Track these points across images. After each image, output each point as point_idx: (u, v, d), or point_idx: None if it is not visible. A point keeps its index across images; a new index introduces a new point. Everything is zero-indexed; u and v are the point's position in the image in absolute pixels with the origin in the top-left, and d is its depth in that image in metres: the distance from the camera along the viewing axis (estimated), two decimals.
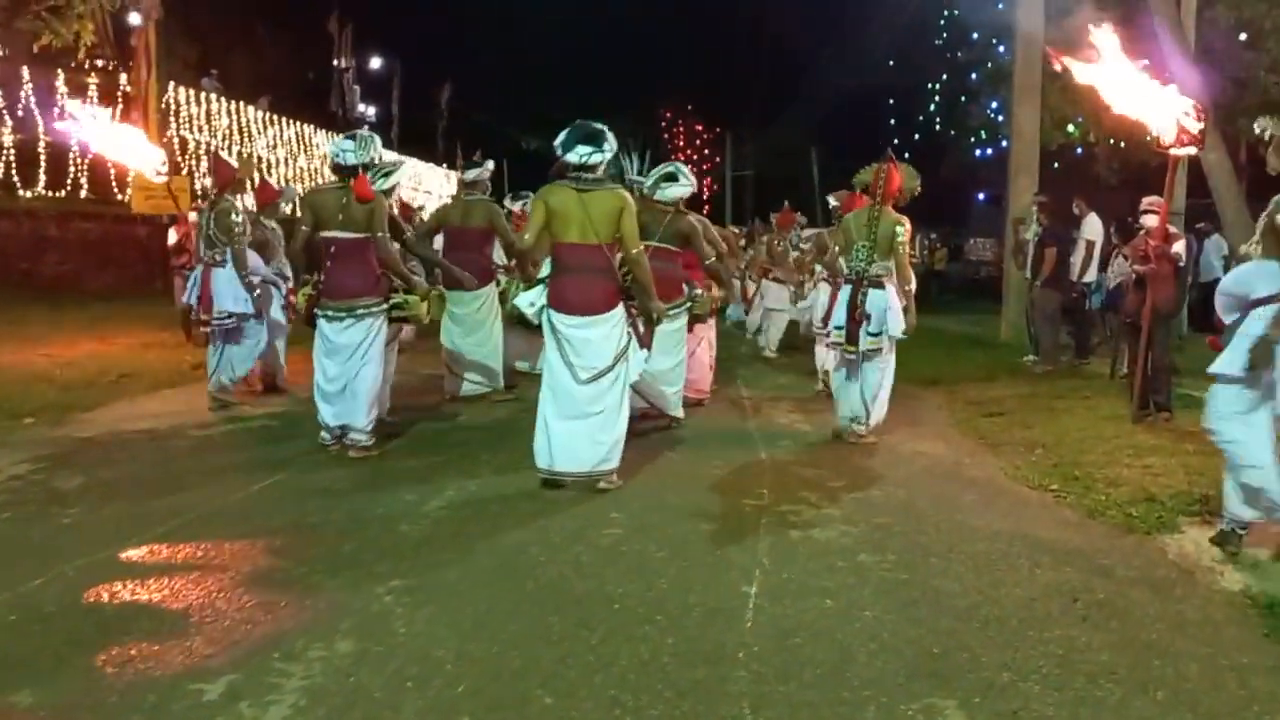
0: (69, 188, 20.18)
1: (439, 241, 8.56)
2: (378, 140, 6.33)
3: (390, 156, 30.56)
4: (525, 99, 48.34)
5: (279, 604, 3.73)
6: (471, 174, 8.49)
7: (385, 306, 6.23)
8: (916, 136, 45.05)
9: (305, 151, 31.12)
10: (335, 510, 5.04)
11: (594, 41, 46.42)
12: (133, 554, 4.31)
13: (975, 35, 22.81)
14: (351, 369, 6.09)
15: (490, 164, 8.70)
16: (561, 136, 5.51)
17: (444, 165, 36.31)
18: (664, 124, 54.17)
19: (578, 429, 5.48)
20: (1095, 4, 15.12)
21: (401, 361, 7.76)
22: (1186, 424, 7.80)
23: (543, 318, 5.60)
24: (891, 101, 44.85)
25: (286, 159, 29.86)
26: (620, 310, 5.57)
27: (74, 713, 2.90)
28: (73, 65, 19.67)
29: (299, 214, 6.60)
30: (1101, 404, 8.80)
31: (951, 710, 3.04)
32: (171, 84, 24.11)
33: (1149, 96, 6.82)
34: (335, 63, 36.52)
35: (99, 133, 8.49)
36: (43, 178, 20.15)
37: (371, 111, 44.35)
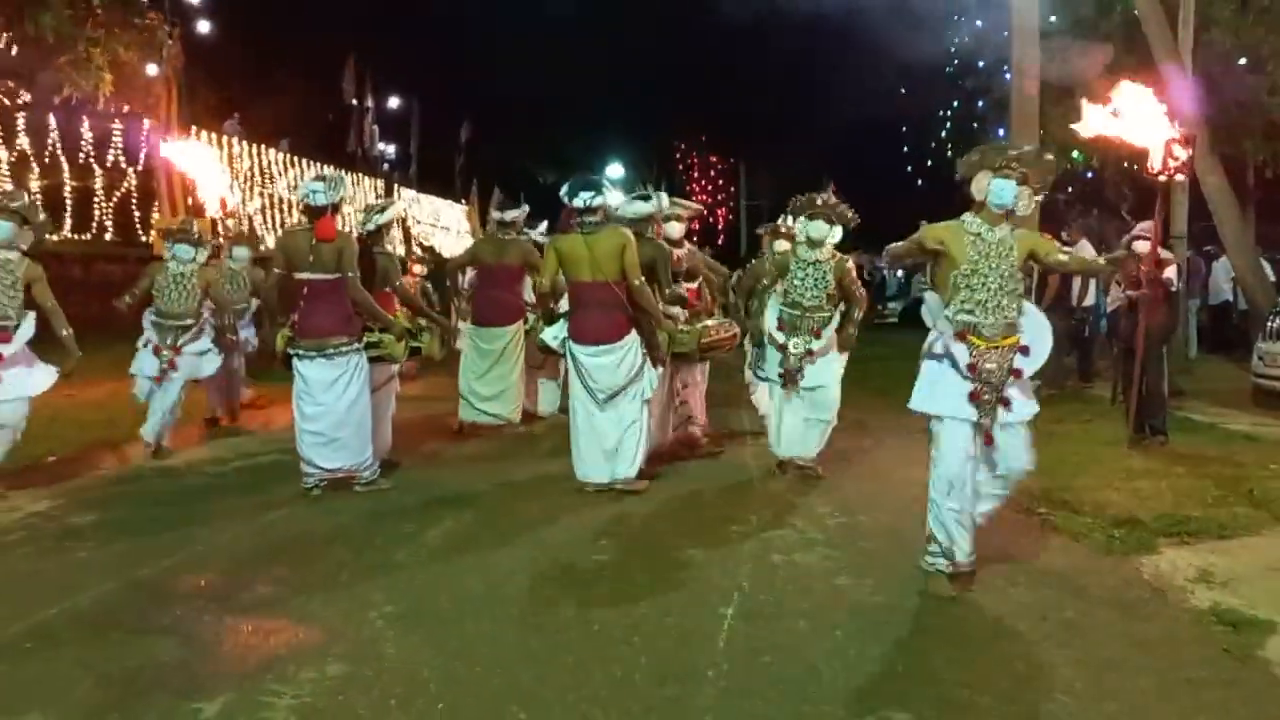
0: (94, 231, 20.71)
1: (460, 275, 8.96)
2: (346, 181, 6.60)
3: (409, 193, 30.89)
4: (541, 134, 49.02)
5: (275, 629, 3.94)
6: (511, 214, 8.73)
7: (358, 346, 6.31)
8: (930, 163, 45.34)
9: None
10: (336, 541, 5.26)
11: (607, 76, 46.98)
12: (140, 585, 4.52)
13: (980, 64, 23.00)
14: (330, 408, 6.17)
15: (525, 207, 8.90)
16: (565, 187, 6.27)
17: (462, 201, 36.71)
18: (678, 156, 54.58)
19: (600, 447, 6.24)
20: (1092, 30, 15.37)
21: (418, 388, 7.95)
22: (1182, 448, 7.91)
23: (566, 348, 6.40)
24: (904, 129, 45.28)
25: None
26: (632, 337, 6.28)
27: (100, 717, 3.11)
28: (98, 112, 20.27)
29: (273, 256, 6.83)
30: (1101, 428, 8.90)
31: None
32: (194, 129, 24.69)
33: (1138, 124, 6.97)
34: (353, 103, 37.11)
35: (196, 162, 8.90)
36: (68, 221, 20.69)
37: (391, 150, 45.06)
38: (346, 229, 6.96)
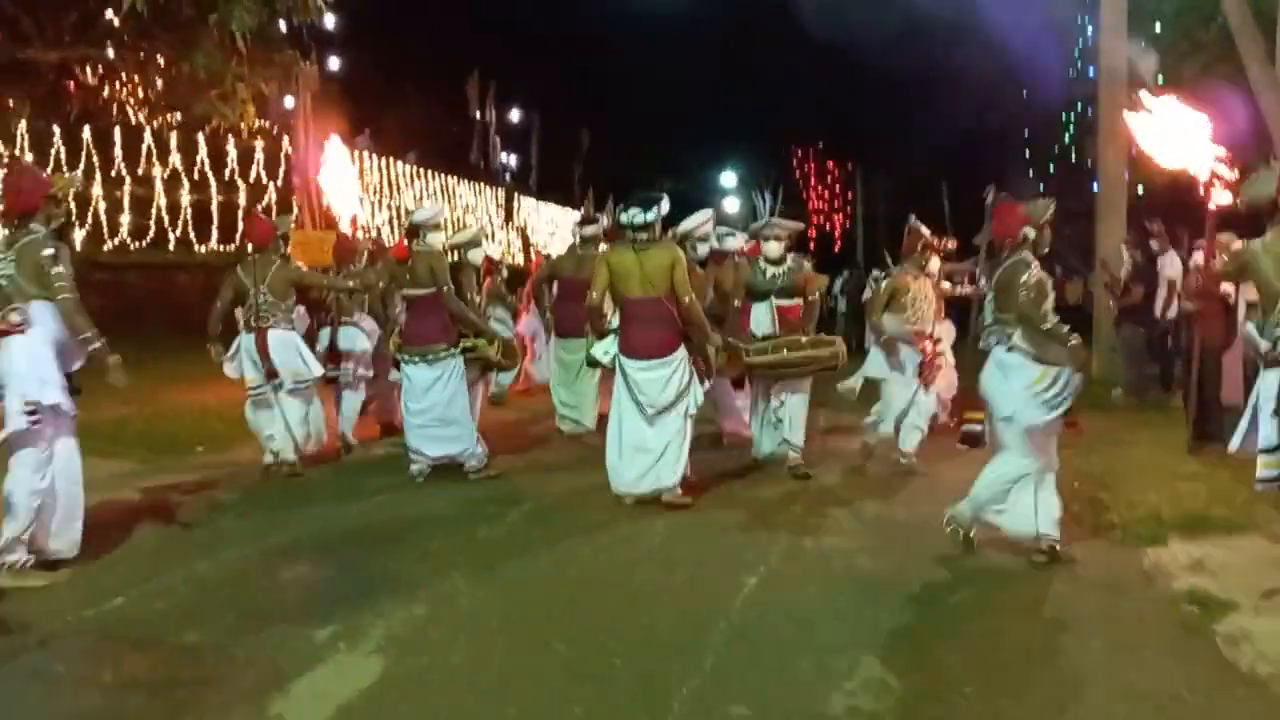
0: (238, 242, 22.51)
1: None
2: (436, 209, 7.58)
3: (529, 203, 31.84)
4: (658, 142, 49.94)
5: (375, 581, 4.86)
6: (589, 230, 9.29)
7: (456, 351, 7.20)
8: (1052, 168, 44.51)
9: (449, 202, 33.24)
10: (430, 518, 6.20)
11: (724, 83, 47.53)
12: (270, 549, 5.53)
13: (1092, 71, 22.94)
14: (433, 404, 7.08)
15: (604, 220, 9.46)
16: (623, 204, 6.54)
17: (580, 210, 37.77)
18: (795, 162, 54.70)
19: (644, 460, 6.30)
20: (1185, 46, 15.39)
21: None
22: (1242, 455, 8.19)
23: (616, 363, 6.45)
24: (1026, 133, 44.56)
25: None
26: (681, 352, 6.34)
27: (226, 646, 4.05)
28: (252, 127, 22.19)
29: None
30: (1168, 435, 9.18)
31: (871, 663, 3.90)
32: (329, 144, 26.38)
33: (1186, 144, 7.27)
34: (476, 116, 38.72)
35: (330, 178, 9.85)
36: (215, 233, 22.59)
37: (513, 160, 46.68)
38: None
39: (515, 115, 44.64)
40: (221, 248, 22.15)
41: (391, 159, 30.32)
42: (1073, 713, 3.53)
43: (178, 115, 18.59)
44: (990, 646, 4.13)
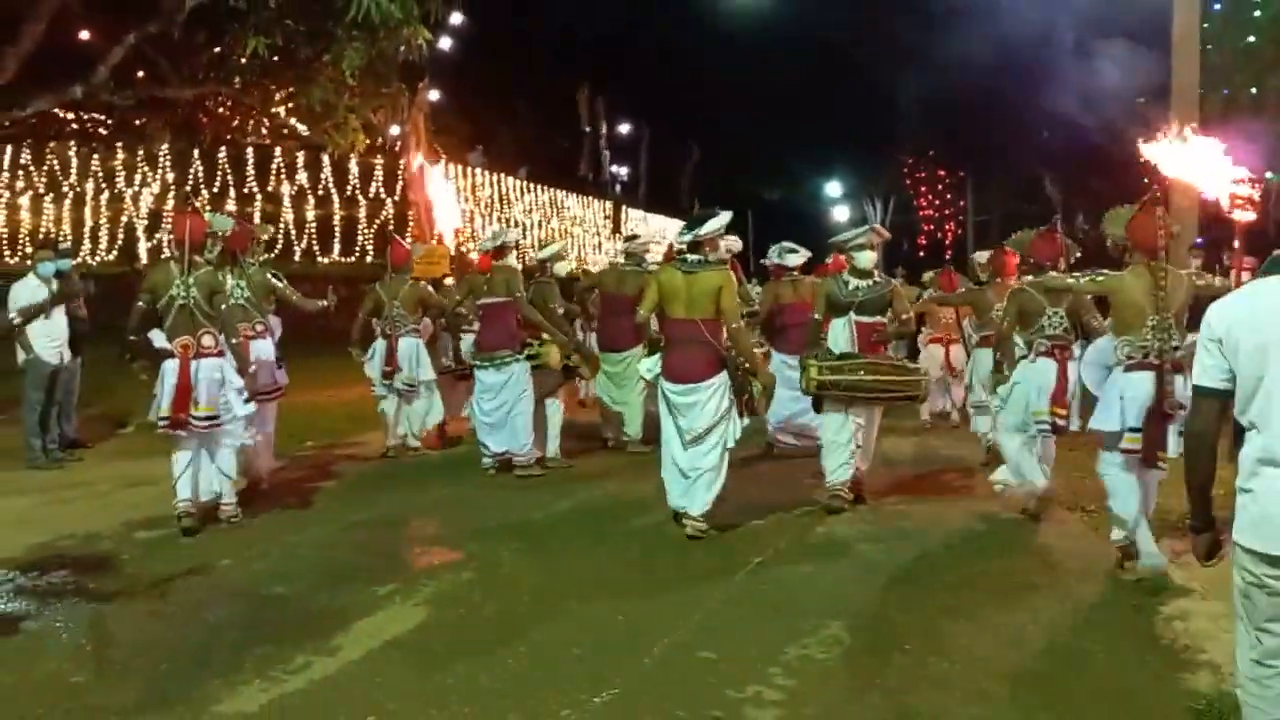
0: (357, 255, 24.05)
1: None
2: (510, 233, 8.52)
3: (636, 214, 32.71)
4: (766, 152, 50.33)
5: (434, 551, 5.79)
6: (632, 245, 9.86)
7: (520, 357, 8.00)
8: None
9: (557, 214, 34.51)
10: (492, 502, 7.12)
11: (832, 92, 47.54)
12: (354, 522, 6.50)
13: None
14: (500, 404, 7.92)
15: (641, 238, 10.14)
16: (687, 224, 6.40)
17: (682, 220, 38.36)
18: (905, 170, 54.36)
19: (683, 484, 6.18)
20: (1272, 55, 15.31)
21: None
22: None
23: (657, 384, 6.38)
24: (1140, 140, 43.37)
25: (540, 222, 33.22)
26: (722, 377, 6.10)
27: (305, 598, 4.97)
28: (363, 151, 23.74)
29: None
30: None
31: (837, 627, 4.57)
32: (442, 162, 27.96)
33: (1205, 166, 7.66)
34: (586, 130, 39.96)
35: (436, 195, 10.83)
36: (336, 246, 24.21)
37: (624, 172, 47.78)
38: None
39: (625, 128, 45.69)
40: (342, 260, 23.77)
41: (502, 175, 31.69)
42: (989, 666, 4.14)
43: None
44: (944, 616, 4.74)
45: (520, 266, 8.89)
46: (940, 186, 55.51)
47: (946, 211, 54.28)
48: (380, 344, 8.84)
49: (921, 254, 48.33)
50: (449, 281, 10.70)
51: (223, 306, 6.28)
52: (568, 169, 38.70)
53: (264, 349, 7.21)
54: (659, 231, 42.50)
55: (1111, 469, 5.43)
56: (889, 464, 8.35)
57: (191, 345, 6.05)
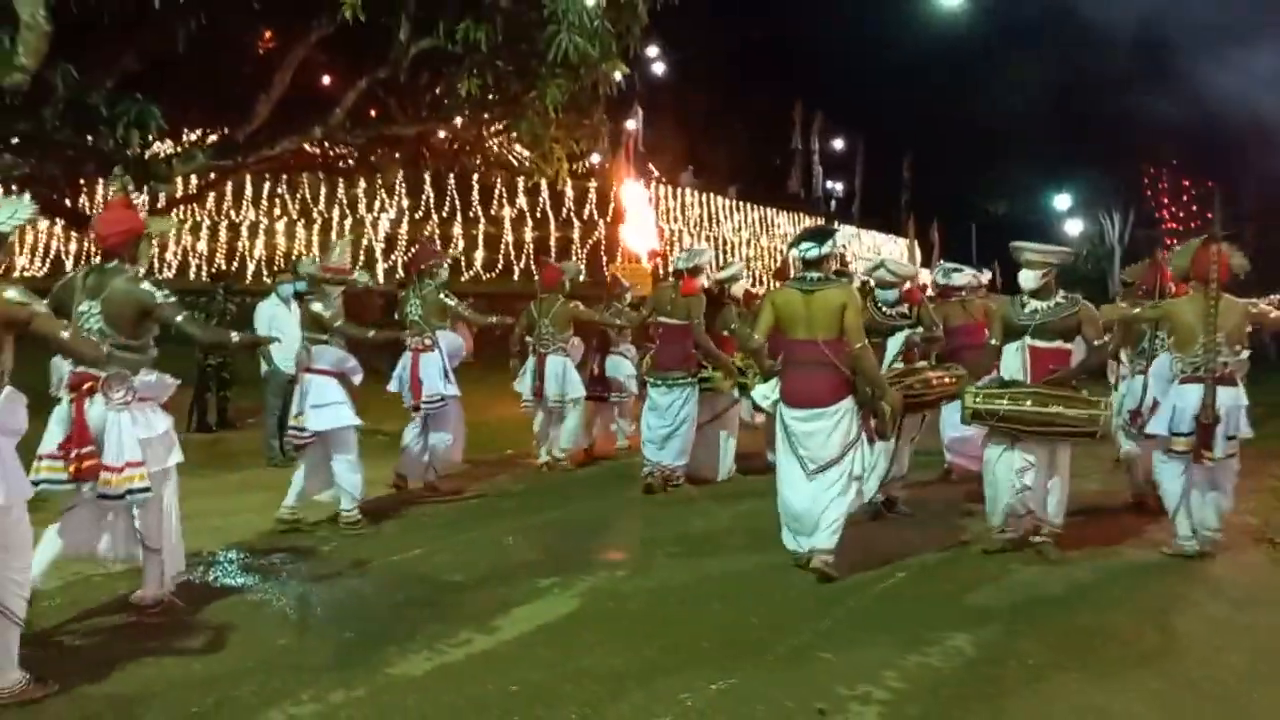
0: (607, 277, 25.31)
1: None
2: (707, 251, 8.82)
3: (848, 229, 32.62)
4: (989, 164, 48.62)
5: (595, 552, 6.42)
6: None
7: (692, 381, 8.28)
8: None
9: (766, 232, 34.83)
10: (654, 511, 7.71)
11: (1061, 100, 45.48)
12: (528, 524, 7.18)
13: None
14: (668, 423, 8.21)
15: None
16: (794, 238, 6.22)
17: (908, 238, 37.70)
18: (1145, 181, 51.28)
19: (803, 522, 5.81)
20: None
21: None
22: None
23: (776, 411, 5.96)
24: None
25: (750, 240, 33.64)
26: (848, 402, 5.74)
27: (478, 585, 5.60)
28: (577, 174, 25.01)
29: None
30: None
31: (962, 640, 4.75)
32: (655, 182, 29.01)
33: None
34: (796, 146, 40.09)
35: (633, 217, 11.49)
36: None
37: (839, 187, 47.52)
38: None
39: (839, 143, 45.48)
40: None
41: (712, 194, 32.36)
42: (1109, 683, 4.22)
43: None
44: (1079, 634, 4.82)
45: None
46: (1185, 198, 52.12)
47: (1193, 225, 50.87)
48: (531, 361, 9.23)
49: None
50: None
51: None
52: (779, 186, 38.97)
53: (432, 361, 7.85)
54: (873, 248, 42.04)
55: (1163, 469, 6.28)
56: None
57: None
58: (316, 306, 6.93)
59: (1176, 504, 6.20)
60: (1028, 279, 6.32)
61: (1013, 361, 6.32)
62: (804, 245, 5.85)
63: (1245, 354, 6.12)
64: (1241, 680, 4.27)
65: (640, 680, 4.24)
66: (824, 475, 5.71)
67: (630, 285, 10.67)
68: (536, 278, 9.85)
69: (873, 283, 7.37)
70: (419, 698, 4.08)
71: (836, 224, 39.06)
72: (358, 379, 7.01)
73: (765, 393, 6.08)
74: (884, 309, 7.20)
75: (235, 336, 6.15)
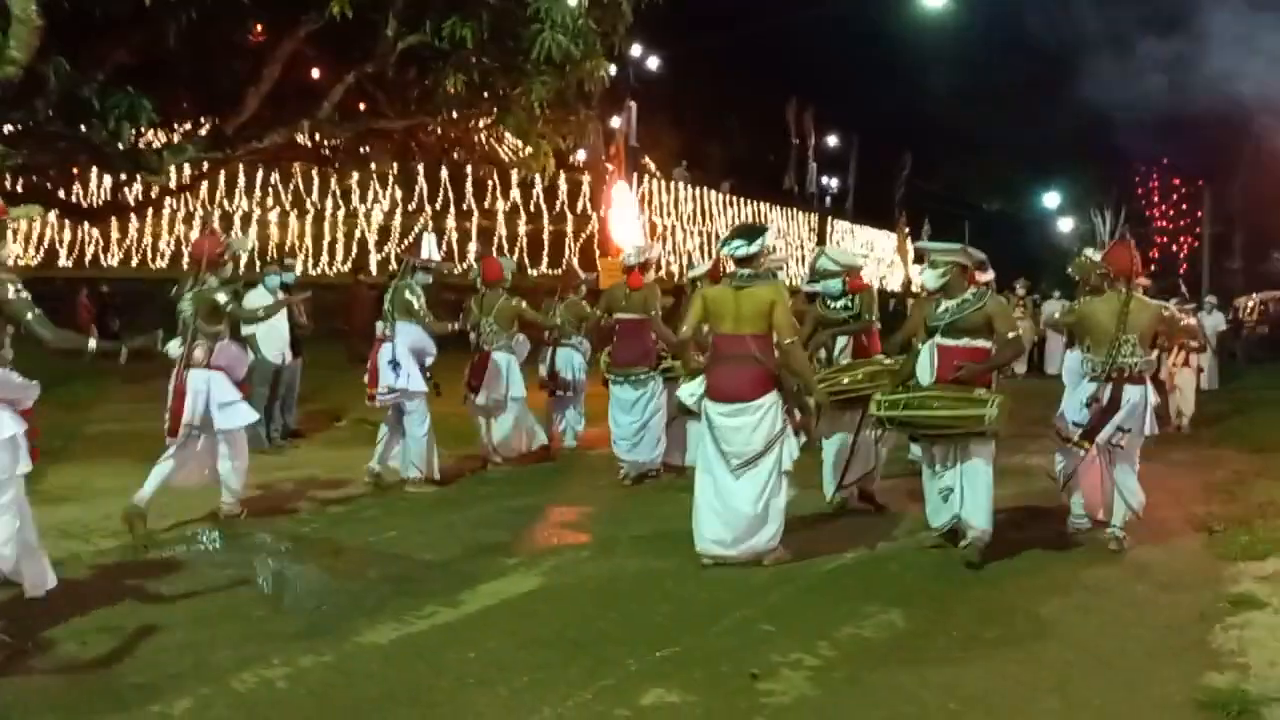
0: (563, 267, 25.58)
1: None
2: (656, 248, 9.01)
3: (842, 226, 33.01)
4: (982, 162, 48.89)
5: (566, 533, 6.71)
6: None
7: (656, 373, 8.44)
8: None
9: None
10: (627, 500, 8.00)
11: (1053, 97, 45.75)
12: (505, 507, 7.49)
13: None
14: (635, 419, 8.32)
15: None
16: (725, 236, 6.22)
17: (904, 233, 37.57)
18: (1136, 179, 51.52)
19: (728, 520, 5.79)
20: None
21: None
22: None
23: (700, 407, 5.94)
24: None
25: None
26: (772, 397, 5.74)
27: (448, 564, 5.90)
28: (572, 167, 25.26)
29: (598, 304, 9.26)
30: None
31: (896, 614, 5.06)
32: (649, 177, 29.30)
33: None
34: (793, 142, 40.16)
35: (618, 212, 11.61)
36: (545, 259, 25.84)
37: (833, 184, 47.66)
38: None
39: (833, 140, 45.57)
40: (550, 271, 25.32)
41: (706, 189, 32.61)
42: (1017, 650, 4.54)
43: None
44: (1005, 611, 5.14)
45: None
46: (1175, 197, 52.37)
47: (1182, 223, 51.15)
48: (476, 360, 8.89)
49: (1153, 268, 45.74)
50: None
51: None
52: (774, 182, 39.15)
53: (383, 353, 7.83)
54: (866, 245, 42.20)
55: (1060, 453, 6.61)
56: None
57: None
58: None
59: (1066, 485, 6.63)
60: (929, 278, 6.23)
61: (922, 361, 6.18)
62: (734, 243, 5.87)
63: (1154, 355, 6.63)
64: (1148, 654, 4.57)
65: (590, 649, 4.54)
66: (748, 472, 5.73)
67: (588, 277, 10.71)
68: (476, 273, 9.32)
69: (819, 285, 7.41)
70: (382, 663, 4.39)
71: (830, 222, 39.44)
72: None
73: (691, 390, 6.09)
74: (829, 302, 7.33)
75: (93, 343, 4.90)
